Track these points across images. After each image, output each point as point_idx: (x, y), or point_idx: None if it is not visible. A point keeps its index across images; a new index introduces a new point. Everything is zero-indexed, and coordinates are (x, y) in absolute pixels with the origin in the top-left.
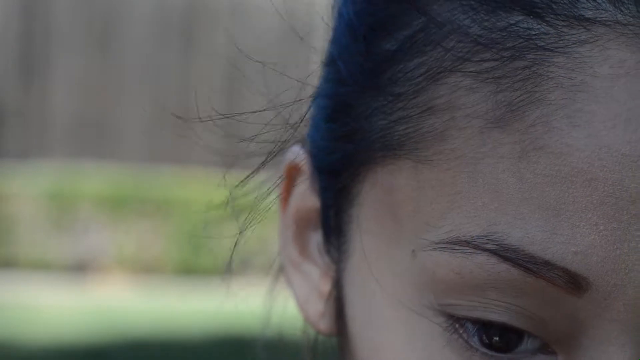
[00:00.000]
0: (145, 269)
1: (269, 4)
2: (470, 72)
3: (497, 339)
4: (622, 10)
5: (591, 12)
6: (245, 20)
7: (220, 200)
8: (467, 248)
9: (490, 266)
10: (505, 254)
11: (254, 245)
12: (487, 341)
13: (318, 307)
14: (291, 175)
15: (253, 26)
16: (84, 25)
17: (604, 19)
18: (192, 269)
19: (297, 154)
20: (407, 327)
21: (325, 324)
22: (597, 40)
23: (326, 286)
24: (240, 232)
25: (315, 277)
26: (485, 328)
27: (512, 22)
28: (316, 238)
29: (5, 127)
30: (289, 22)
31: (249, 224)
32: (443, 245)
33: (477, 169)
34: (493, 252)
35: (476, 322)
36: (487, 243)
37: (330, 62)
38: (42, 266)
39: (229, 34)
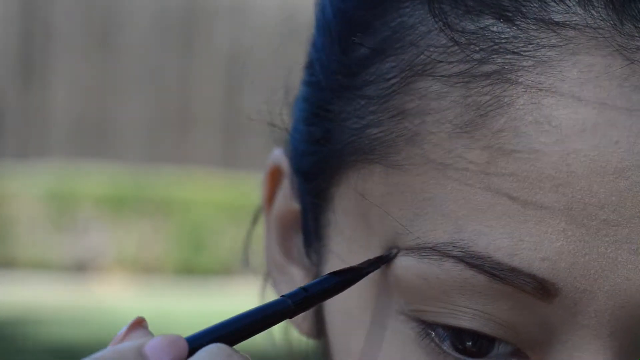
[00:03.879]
0: (145, 269)
1: (269, 4)
2: (441, 76)
3: (470, 344)
4: (592, 14)
5: (561, 16)
6: (245, 20)
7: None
8: (434, 254)
9: (457, 273)
10: (472, 260)
11: (254, 245)
12: (459, 346)
13: None
14: (274, 178)
15: (253, 26)
16: (84, 26)
17: (573, 22)
18: (192, 269)
19: (280, 157)
20: (380, 331)
21: (308, 327)
22: (566, 44)
23: None
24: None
25: (298, 279)
26: (456, 333)
27: (482, 25)
28: (299, 240)
29: (5, 127)
30: (289, 21)
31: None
32: (411, 251)
33: (445, 175)
34: (459, 259)
35: (447, 327)
36: (453, 250)
37: (309, 65)
38: (42, 266)
39: (229, 34)
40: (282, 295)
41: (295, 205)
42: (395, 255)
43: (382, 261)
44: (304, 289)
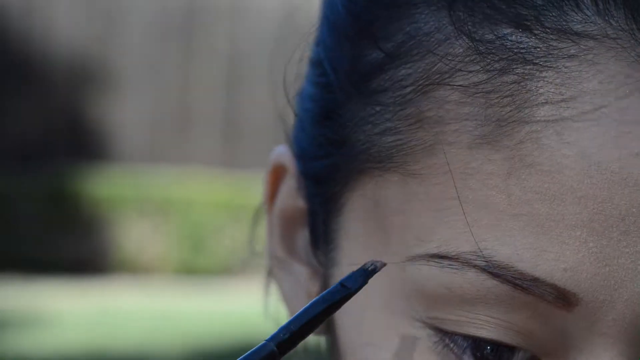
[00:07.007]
0: (145, 269)
1: (269, 4)
2: (459, 85)
3: (489, 351)
4: (611, 23)
5: (580, 26)
6: (245, 21)
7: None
8: (457, 264)
9: (479, 282)
10: (495, 270)
11: (256, 245)
12: (479, 355)
13: None
14: (277, 175)
15: (253, 26)
16: (84, 25)
17: (592, 32)
18: (192, 269)
19: (283, 154)
20: (396, 339)
21: None
22: (586, 54)
23: (315, 286)
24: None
25: (303, 276)
26: (476, 343)
27: (500, 35)
28: (303, 237)
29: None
30: (289, 21)
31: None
32: (432, 260)
33: (466, 185)
34: (482, 269)
35: (466, 337)
36: (476, 259)
37: (316, 63)
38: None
39: (229, 34)
40: (266, 340)
41: (301, 203)
42: (380, 268)
43: (369, 275)
44: (287, 327)
